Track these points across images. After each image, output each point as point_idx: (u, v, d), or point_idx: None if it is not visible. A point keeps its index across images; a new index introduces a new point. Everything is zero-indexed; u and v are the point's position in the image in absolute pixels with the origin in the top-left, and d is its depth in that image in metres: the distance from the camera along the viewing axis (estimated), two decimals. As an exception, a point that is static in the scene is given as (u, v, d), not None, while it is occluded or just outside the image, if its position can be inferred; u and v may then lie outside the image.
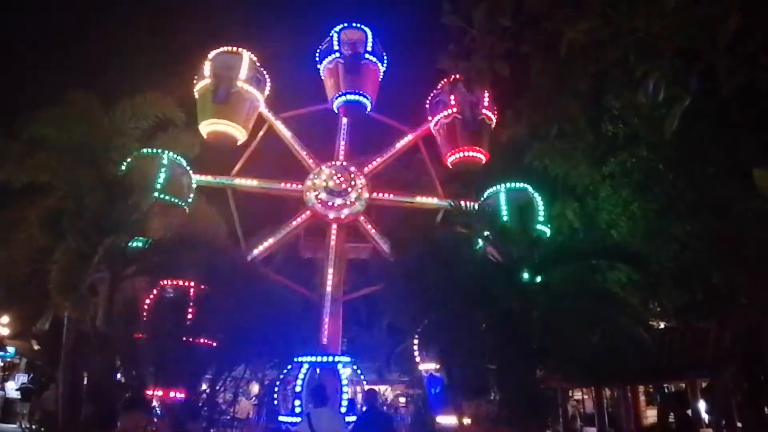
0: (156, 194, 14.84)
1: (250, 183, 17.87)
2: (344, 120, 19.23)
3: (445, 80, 18.17)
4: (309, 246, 18.98)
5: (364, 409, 9.72)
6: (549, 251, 12.03)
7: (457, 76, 16.63)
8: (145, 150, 15.21)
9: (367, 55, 18.31)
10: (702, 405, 13.29)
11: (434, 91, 19.11)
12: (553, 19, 3.53)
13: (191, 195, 16.33)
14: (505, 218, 15.57)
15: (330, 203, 17.34)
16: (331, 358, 14.57)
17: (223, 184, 17.66)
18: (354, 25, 18.82)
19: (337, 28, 18.71)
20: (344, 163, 18.22)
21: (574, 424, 17.23)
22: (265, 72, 18.52)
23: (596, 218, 13.82)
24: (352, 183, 17.58)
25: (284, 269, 18.81)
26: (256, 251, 16.99)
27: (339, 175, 17.68)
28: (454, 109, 18.06)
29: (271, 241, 17.34)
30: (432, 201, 18.30)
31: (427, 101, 19.24)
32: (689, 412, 12.63)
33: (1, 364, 27.36)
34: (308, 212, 17.54)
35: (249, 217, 18.31)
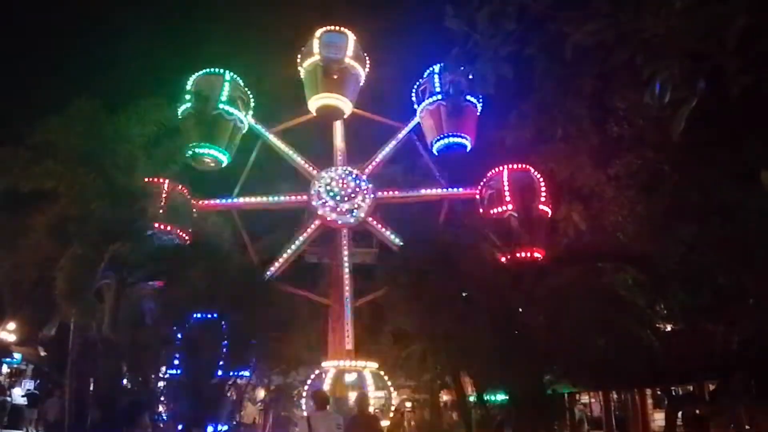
0: (219, 107, 16.49)
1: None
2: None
3: (500, 168, 17.52)
4: (314, 252, 19.00)
5: (354, 413, 9.72)
6: (555, 254, 12.00)
7: (512, 165, 16.27)
8: (207, 70, 16.94)
9: (467, 96, 18.15)
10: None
11: (485, 180, 18.03)
12: (557, 21, 3.51)
13: (249, 114, 17.86)
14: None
15: (338, 209, 17.40)
16: None
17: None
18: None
19: (437, 69, 18.58)
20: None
21: (581, 428, 17.12)
22: (365, 53, 19.10)
23: (601, 220, 13.75)
24: (357, 186, 17.65)
25: (289, 275, 18.80)
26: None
27: (343, 180, 17.74)
28: (510, 206, 16.82)
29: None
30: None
31: (477, 192, 18.27)
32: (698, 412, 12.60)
33: (8, 370, 27.44)
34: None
35: (253, 219, 18.35)
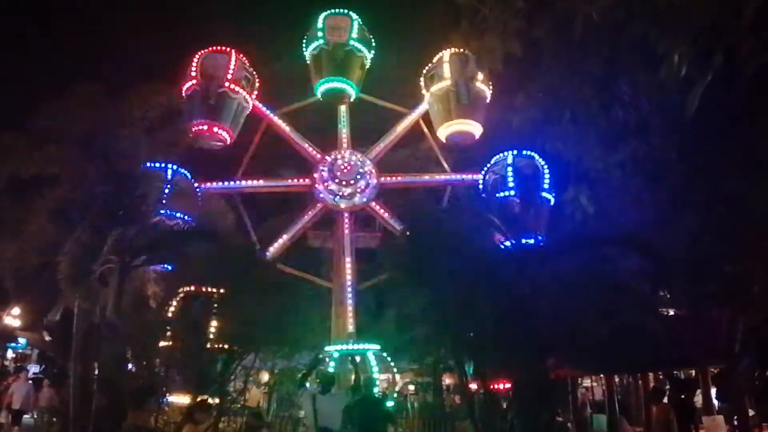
0: (351, 43, 17.90)
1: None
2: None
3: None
4: (317, 236, 19.03)
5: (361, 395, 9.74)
6: (559, 239, 11.95)
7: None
8: (333, 10, 18.23)
9: (543, 193, 17.10)
10: (713, 392, 13.20)
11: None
12: (567, -2, 3.43)
13: (372, 53, 18.70)
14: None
15: (340, 193, 17.37)
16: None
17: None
18: (525, 153, 17.47)
19: (510, 159, 17.45)
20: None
21: (583, 411, 17.19)
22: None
23: (607, 206, 13.69)
24: (360, 170, 17.60)
25: (292, 259, 18.84)
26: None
27: (346, 164, 17.68)
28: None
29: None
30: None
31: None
32: (696, 399, 12.61)
33: (14, 355, 27.72)
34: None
35: (255, 208, 18.32)
